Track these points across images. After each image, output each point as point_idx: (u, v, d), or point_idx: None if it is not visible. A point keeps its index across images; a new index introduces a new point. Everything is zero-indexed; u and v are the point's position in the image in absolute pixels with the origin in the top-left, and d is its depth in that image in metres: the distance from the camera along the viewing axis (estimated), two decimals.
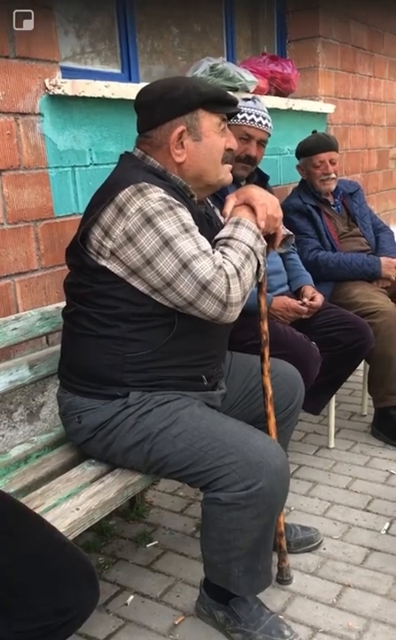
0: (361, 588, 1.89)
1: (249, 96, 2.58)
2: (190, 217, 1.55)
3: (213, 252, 1.52)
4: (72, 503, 1.55)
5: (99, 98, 2.27)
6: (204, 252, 1.50)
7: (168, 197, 1.53)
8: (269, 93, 3.34)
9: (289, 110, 3.49)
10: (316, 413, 2.63)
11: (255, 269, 1.59)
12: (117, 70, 2.76)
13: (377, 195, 4.93)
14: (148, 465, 1.63)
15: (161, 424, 1.60)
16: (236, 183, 2.53)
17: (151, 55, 3.01)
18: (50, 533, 1.27)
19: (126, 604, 1.86)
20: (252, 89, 3.03)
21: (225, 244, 1.57)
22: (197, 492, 2.40)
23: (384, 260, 3.00)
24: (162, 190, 1.53)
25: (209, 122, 1.63)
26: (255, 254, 1.58)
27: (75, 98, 2.19)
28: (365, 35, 4.41)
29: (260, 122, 2.42)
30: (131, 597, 1.89)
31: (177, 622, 1.79)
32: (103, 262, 1.56)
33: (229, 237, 1.58)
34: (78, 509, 1.52)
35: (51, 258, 2.20)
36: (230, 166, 1.75)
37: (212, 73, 2.89)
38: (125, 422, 1.62)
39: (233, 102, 1.69)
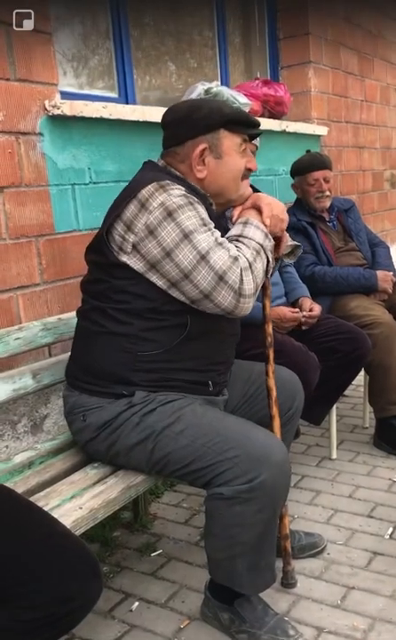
0: (366, 590, 1.89)
1: None
2: (207, 214, 1.62)
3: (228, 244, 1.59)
4: (75, 503, 1.57)
5: (97, 118, 2.35)
6: (220, 244, 1.56)
7: (188, 194, 1.60)
8: (263, 116, 3.44)
9: (284, 132, 3.59)
10: (318, 424, 2.65)
11: (265, 265, 1.65)
12: (115, 95, 2.86)
13: (374, 215, 5.01)
14: (152, 463, 1.66)
15: (164, 422, 1.63)
16: None
17: (149, 85, 3.12)
18: (52, 525, 1.29)
19: (131, 611, 1.87)
20: (246, 111, 3.12)
21: (237, 241, 1.63)
22: (201, 504, 2.41)
23: (380, 273, 3.06)
24: (183, 188, 1.61)
25: (230, 141, 1.71)
26: (264, 251, 1.64)
27: (74, 118, 2.27)
28: (355, 61, 4.55)
29: None
30: (136, 604, 1.90)
31: (182, 626, 1.79)
32: (124, 258, 1.62)
33: (239, 235, 1.65)
34: (81, 508, 1.54)
35: (53, 272, 2.26)
36: (248, 180, 1.82)
37: (207, 96, 2.98)
38: (129, 421, 1.66)
39: (255, 124, 1.78)
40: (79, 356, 1.80)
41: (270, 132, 3.45)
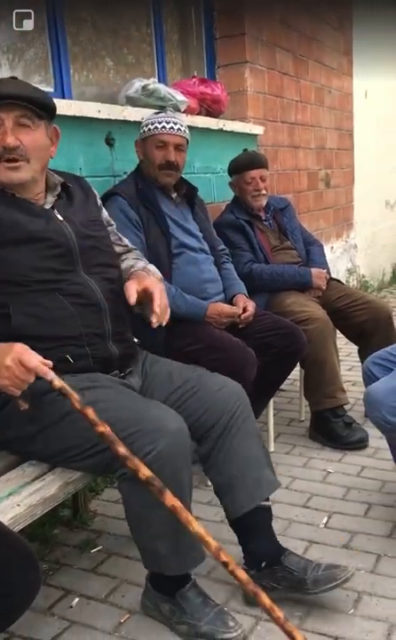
0: None
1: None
2: None
3: None
4: (13, 500, 1.55)
5: None
6: None
7: None
8: (200, 114, 3.47)
9: (221, 131, 3.63)
10: (255, 417, 2.68)
11: None
12: (51, 89, 2.83)
13: (309, 214, 5.12)
14: (55, 452, 1.66)
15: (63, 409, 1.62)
16: (166, 191, 2.61)
17: (86, 80, 3.11)
18: None
19: (71, 607, 1.86)
20: (183, 108, 3.14)
21: None
22: None
23: (314, 270, 3.14)
24: None
25: None
26: None
27: None
28: (290, 62, 4.63)
29: (171, 127, 2.52)
30: (76, 600, 1.89)
31: (122, 620, 1.79)
32: None
33: None
34: (19, 505, 1.53)
35: None
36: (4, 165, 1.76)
37: (144, 93, 3.00)
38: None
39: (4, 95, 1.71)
40: None
41: (207, 131, 3.49)
